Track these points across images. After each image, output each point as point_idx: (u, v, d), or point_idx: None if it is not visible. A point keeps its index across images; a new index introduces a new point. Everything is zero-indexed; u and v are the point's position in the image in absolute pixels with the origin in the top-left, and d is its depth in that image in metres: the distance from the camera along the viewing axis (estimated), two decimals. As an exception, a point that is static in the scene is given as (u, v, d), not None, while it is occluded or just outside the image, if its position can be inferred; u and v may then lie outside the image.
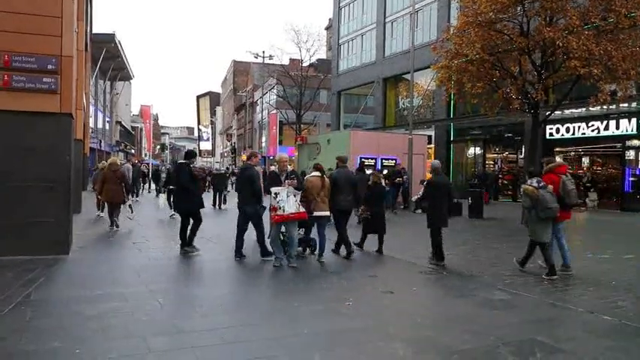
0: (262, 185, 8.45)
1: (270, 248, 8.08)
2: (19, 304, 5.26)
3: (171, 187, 15.69)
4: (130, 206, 12.49)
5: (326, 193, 8.44)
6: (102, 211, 13.96)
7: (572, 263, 7.66)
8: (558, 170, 7.90)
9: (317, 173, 8.58)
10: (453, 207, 16.18)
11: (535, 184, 7.45)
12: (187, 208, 8.79)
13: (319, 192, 8.30)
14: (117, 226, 11.66)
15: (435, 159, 28.37)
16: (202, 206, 8.98)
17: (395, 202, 17.65)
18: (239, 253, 8.21)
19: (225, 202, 18.78)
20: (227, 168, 32.15)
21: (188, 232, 8.82)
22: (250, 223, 8.30)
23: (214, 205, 18.41)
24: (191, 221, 8.88)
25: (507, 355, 4.18)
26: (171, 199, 14.64)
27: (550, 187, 7.46)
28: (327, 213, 8.53)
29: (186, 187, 8.72)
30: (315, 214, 8.32)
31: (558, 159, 23.40)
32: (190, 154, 9.30)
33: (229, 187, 21.44)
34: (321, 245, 8.45)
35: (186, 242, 8.76)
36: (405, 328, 4.92)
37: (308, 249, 8.96)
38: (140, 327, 4.67)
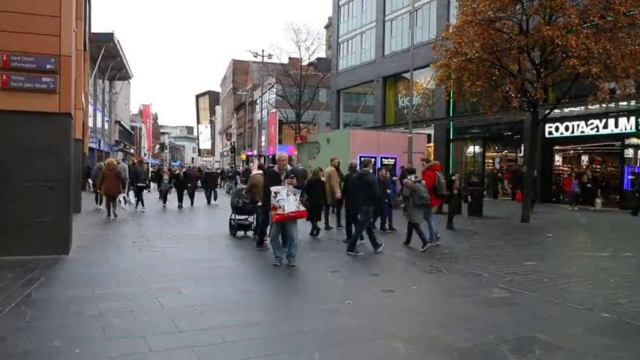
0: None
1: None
2: (20, 304, 5.27)
3: (138, 184, 17.02)
4: (124, 198, 14.26)
5: None
6: (100, 204, 15.82)
7: (569, 261, 7.83)
8: (434, 168, 10.58)
9: (261, 171, 10.73)
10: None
11: (413, 179, 9.61)
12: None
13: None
14: (115, 215, 13.69)
15: (434, 158, 28.50)
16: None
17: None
18: (353, 247, 8.96)
19: (215, 199, 20.75)
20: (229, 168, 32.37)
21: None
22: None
23: (208, 201, 20.36)
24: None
25: (507, 352, 4.19)
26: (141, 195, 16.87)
27: (424, 181, 9.68)
28: None
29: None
30: (260, 204, 9.55)
31: (557, 157, 23.49)
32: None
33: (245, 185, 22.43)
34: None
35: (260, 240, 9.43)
36: (406, 327, 4.92)
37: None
38: (140, 326, 4.67)
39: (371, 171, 10.16)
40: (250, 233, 10.84)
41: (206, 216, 16.33)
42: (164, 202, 18.48)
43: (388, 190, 12.12)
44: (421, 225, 9.51)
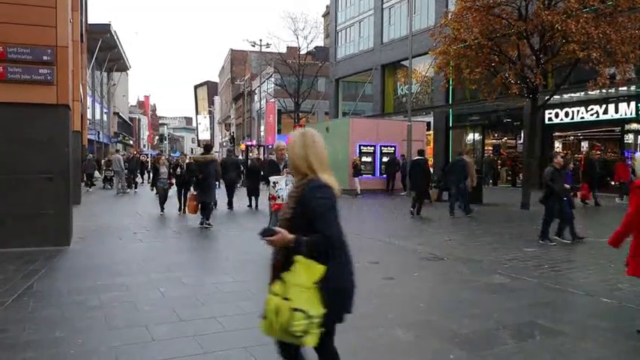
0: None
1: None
2: (22, 296, 5.29)
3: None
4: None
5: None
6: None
7: (569, 247, 7.91)
8: None
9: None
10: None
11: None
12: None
13: None
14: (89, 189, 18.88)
15: (433, 146, 28.53)
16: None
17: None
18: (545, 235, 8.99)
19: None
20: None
21: None
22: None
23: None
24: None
25: (507, 338, 4.21)
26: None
27: None
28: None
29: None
30: None
31: (557, 144, 23.46)
32: (420, 152, 12.62)
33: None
34: (215, 204, 12.94)
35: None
36: (406, 314, 4.94)
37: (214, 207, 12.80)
38: (142, 316, 4.69)
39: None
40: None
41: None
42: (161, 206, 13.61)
43: (566, 185, 9.35)
44: None
